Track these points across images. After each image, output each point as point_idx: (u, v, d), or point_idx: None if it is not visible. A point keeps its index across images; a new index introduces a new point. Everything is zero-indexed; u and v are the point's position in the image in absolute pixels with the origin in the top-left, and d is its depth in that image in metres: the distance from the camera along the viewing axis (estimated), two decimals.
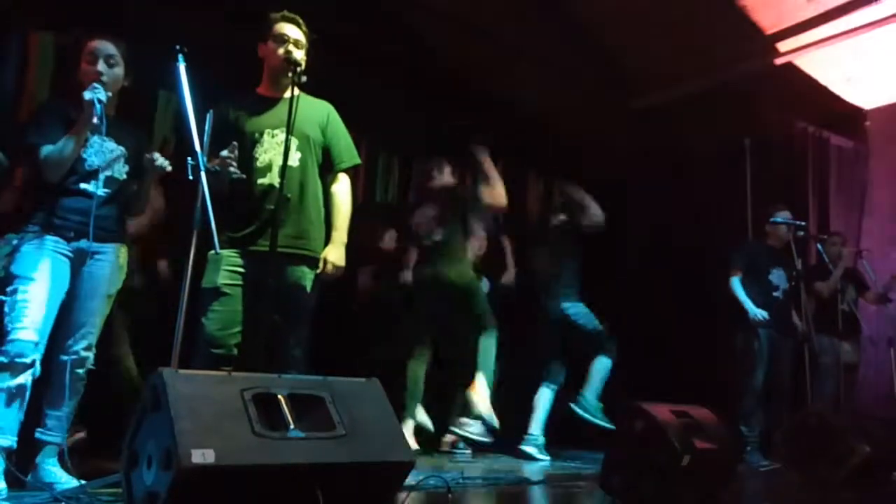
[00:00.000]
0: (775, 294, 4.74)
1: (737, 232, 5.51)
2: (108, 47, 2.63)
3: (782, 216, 4.77)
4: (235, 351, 2.67)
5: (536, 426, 4.49)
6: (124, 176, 2.70)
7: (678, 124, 5.70)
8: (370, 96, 4.61)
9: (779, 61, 5.19)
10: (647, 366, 5.23)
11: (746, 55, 5.15)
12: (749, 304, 4.62)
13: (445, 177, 4.29)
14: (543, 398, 4.52)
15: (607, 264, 5.42)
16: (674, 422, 2.58)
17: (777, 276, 4.77)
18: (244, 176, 2.68)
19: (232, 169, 2.62)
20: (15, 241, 2.52)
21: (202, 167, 2.48)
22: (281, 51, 2.79)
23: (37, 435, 2.56)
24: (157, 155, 2.63)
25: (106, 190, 2.62)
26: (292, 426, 1.93)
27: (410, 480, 2.26)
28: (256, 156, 2.76)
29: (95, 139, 2.59)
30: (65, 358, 2.55)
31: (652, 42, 5.06)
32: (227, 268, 2.69)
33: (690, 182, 6.00)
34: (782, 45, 5.10)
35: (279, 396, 1.98)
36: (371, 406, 2.17)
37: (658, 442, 2.52)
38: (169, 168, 2.62)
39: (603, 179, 5.20)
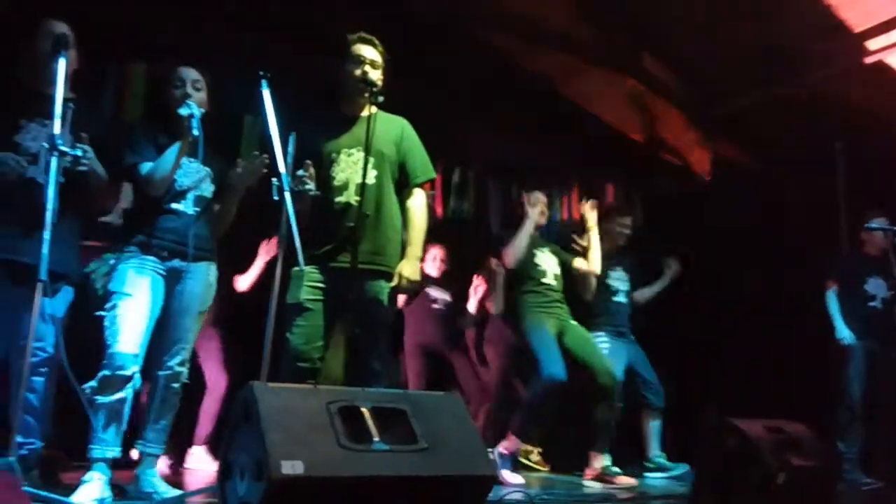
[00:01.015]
0: (872, 304, 4.50)
1: (829, 240, 5.27)
2: (193, 73, 2.78)
3: (878, 222, 4.53)
4: (319, 364, 2.74)
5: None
6: (211, 195, 2.82)
7: (763, 129, 5.51)
8: (447, 111, 4.67)
9: (868, 60, 4.96)
10: (736, 380, 5.06)
11: (834, 55, 4.95)
12: (840, 324, 4.44)
13: (535, 214, 4.09)
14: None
15: (690, 278, 5.27)
16: (767, 438, 2.49)
17: (874, 285, 4.54)
18: (320, 193, 2.76)
19: (308, 186, 2.70)
20: (112, 261, 2.65)
21: (286, 188, 2.57)
22: (358, 71, 2.87)
23: (136, 447, 2.69)
24: (240, 161, 2.75)
25: (196, 209, 2.74)
26: (376, 439, 1.97)
27: (493, 496, 2.26)
28: (334, 175, 2.85)
29: (184, 161, 2.72)
30: (161, 373, 2.67)
31: (732, 46, 4.92)
32: (309, 284, 2.77)
33: (779, 189, 5.78)
34: (871, 44, 4.88)
35: (363, 409, 2.02)
36: (451, 419, 2.19)
37: (751, 459, 2.43)
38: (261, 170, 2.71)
39: (685, 190, 5.08)
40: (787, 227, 5.65)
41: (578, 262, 4.16)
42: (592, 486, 3.78)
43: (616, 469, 3.87)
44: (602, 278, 4.35)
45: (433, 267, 4.88)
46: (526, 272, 4.06)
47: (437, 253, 4.88)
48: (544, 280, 4.08)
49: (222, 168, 2.85)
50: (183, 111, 2.60)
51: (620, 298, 4.55)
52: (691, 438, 3.99)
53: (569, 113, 5.25)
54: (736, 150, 5.77)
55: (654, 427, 4.43)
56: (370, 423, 1.99)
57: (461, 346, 4.83)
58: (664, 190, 5.89)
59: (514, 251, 3.99)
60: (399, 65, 3.00)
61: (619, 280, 4.59)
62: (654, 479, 4.26)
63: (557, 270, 4.17)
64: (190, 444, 3.93)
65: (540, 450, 4.68)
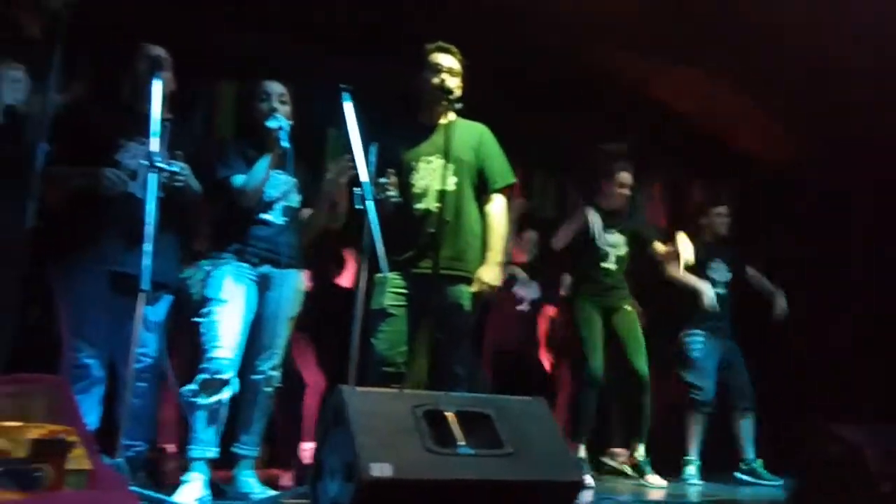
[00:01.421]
0: None
1: None
2: (278, 87, 2.88)
3: None
4: (404, 369, 2.79)
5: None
6: (298, 205, 2.92)
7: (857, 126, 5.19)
8: (527, 115, 4.66)
9: None
10: (835, 382, 4.81)
11: None
12: None
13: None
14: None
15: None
16: (871, 444, 2.36)
17: None
18: (402, 199, 2.81)
19: (390, 192, 2.76)
20: (208, 268, 2.77)
21: (368, 197, 2.63)
22: (436, 80, 2.91)
23: (233, 449, 2.80)
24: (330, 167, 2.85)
25: (284, 218, 2.83)
26: (461, 443, 1.98)
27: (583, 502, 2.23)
28: (413, 182, 2.90)
29: (271, 172, 2.81)
30: (255, 377, 2.77)
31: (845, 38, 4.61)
32: (392, 290, 2.83)
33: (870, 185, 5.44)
34: None
35: (447, 413, 2.05)
36: (537, 424, 2.18)
37: (854, 466, 2.31)
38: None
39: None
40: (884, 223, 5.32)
41: (658, 247, 4.05)
42: (654, 481, 3.79)
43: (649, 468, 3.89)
44: (702, 269, 4.21)
45: (528, 252, 4.82)
46: (585, 253, 4.01)
47: (532, 236, 4.80)
48: (603, 264, 3.99)
49: (307, 179, 2.94)
50: (271, 124, 2.70)
51: (719, 290, 4.31)
52: (789, 445, 3.86)
53: (652, 111, 5.14)
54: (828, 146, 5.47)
55: (745, 428, 4.26)
56: (455, 427, 2.01)
57: (537, 344, 4.80)
58: (750, 185, 5.68)
59: (561, 237, 3.98)
60: (491, 75, 3.02)
61: (717, 272, 4.37)
62: (747, 486, 4.10)
63: (623, 252, 4.05)
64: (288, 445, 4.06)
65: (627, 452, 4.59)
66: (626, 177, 4.09)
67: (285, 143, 2.67)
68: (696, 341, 4.23)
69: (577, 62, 4.70)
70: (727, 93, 5.08)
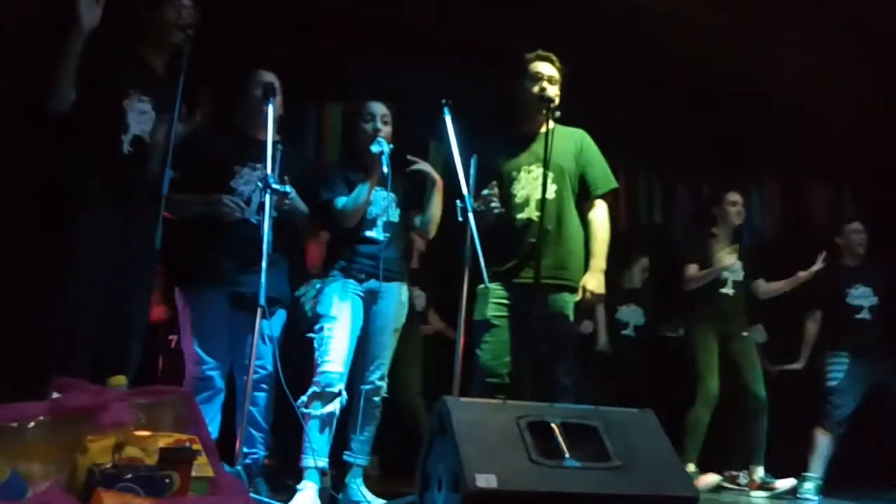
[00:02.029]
0: None
1: None
2: (381, 108, 2.95)
3: None
4: (508, 379, 2.79)
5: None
6: (398, 219, 2.98)
7: None
8: (627, 117, 4.56)
9: None
10: None
11: None
12: None
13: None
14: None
15: None
16: None
17: None
18: (504, 210, 2.82)
19: (494, 204, 2.78)
20: (318, 285, 2.88)
21: (469, 208, 2.66)
22: (535, 88, 2.91)
23: (344, 457, 2.89)
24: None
25: (386, 234, 2.91)
26: (567, 455, 1.96)
27: None
28: (514, 192, 2.90)
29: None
30: (364, 388, 2.85)
31: None
32: (494, 300, 2.84)
33: None
34: None
35: (552, 425, 2.03)
36: (646, 437, 2.12)
37: None
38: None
39: None
40: None
41: (762, 286, 4.15)
42: (758, 494, 3.92)
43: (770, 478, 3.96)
44: (842, 296, 4.11)
45: (639, 278, 4.82)
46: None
47: (643, 262, 4.83)
48: (722, 290, 4.04)
49: (406, 189, 3.00)
50: (374, 149, 2.77)
51: (864, 316, 4.12)
52: None
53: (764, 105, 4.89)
54: None
55: None
56: (560, 438, 1.99)
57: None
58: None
59: (693, 282, 4.04)
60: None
61: (862, 297, 4.16)
62: None
63: (741, 277, 4.07)
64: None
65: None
66: (735, 196, 4.16)
67: (386, 169, 2.74)
68: (839, 364, 4.05)
69: (690, 62, 4.56)
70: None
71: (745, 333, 4.05)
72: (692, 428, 3.92)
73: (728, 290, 4.05)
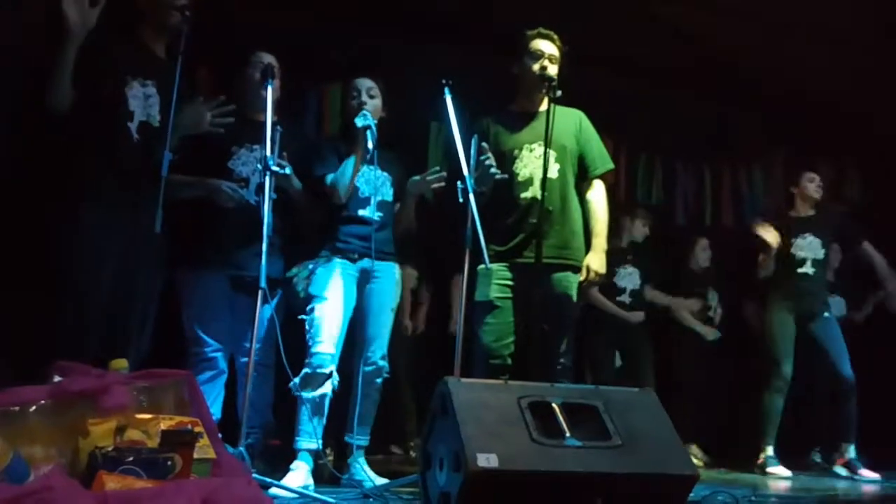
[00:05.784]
0: None
1: None
2: (367, 82, 2.92)
3: None
4: (510, 361, 2.78)
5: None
6: (392, 198, 2.97)
7: None
8: (626, 96, 4.53)
9: None
10: None
11: None
12: None
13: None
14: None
15: None
16: None
17: None
18: (506, 175, 2.79)
19: (488, 162, 2.72)
20: (311, 266, 2.87)
21: (470, 190, 2.64)
22: (536, 67, 2.88)
23: (346, 439, 2.91)
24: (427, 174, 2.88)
25: (379, 213, 2.89)
26: (568, 434, 1.97)
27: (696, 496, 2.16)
28: (517, 171, 2.88)
29: (364, 168, 2.87)
30: (366, 368, 2.86)
31: None
32: (497, 281, 2.83)
33: None
34: None
35: (553, 405, 2.03)
36: (647, 417, 2.13)
37: None
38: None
39: None
40: None
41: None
42: (841, 471, 3.92)
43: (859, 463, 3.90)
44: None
45: (705, 258, 4.83)
46: (780, 260, 4.00)
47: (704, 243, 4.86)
48: (800, 269, 3.97)
49: (402, 173, 2.99)
50: (359, 122, 2.76)
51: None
52: None
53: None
54: None
55: None
56: (561, 418, 2.00)
57: None
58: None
59: (764, 267, 4.01)
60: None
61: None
62: None
63: (820, 255, 4.01)
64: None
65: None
66: (812, 176, 4.10)
67: (371, 144, 2.72)
68: None
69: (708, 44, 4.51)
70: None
71: (826, 315, 3.97)
72: (767, 414, 3.94)
73: (807, 270, 3.96)
